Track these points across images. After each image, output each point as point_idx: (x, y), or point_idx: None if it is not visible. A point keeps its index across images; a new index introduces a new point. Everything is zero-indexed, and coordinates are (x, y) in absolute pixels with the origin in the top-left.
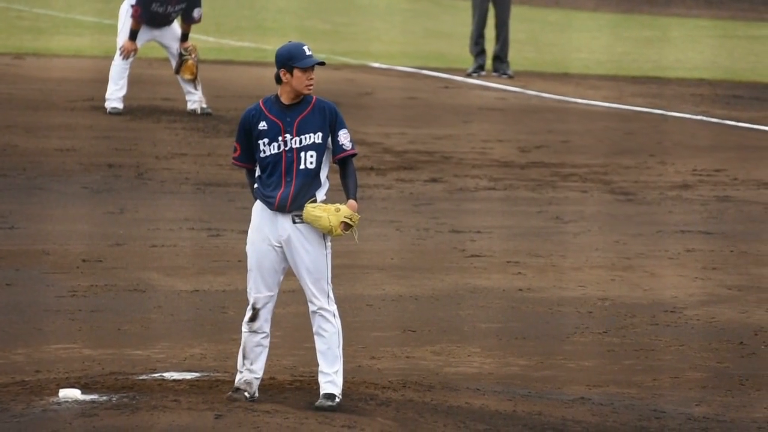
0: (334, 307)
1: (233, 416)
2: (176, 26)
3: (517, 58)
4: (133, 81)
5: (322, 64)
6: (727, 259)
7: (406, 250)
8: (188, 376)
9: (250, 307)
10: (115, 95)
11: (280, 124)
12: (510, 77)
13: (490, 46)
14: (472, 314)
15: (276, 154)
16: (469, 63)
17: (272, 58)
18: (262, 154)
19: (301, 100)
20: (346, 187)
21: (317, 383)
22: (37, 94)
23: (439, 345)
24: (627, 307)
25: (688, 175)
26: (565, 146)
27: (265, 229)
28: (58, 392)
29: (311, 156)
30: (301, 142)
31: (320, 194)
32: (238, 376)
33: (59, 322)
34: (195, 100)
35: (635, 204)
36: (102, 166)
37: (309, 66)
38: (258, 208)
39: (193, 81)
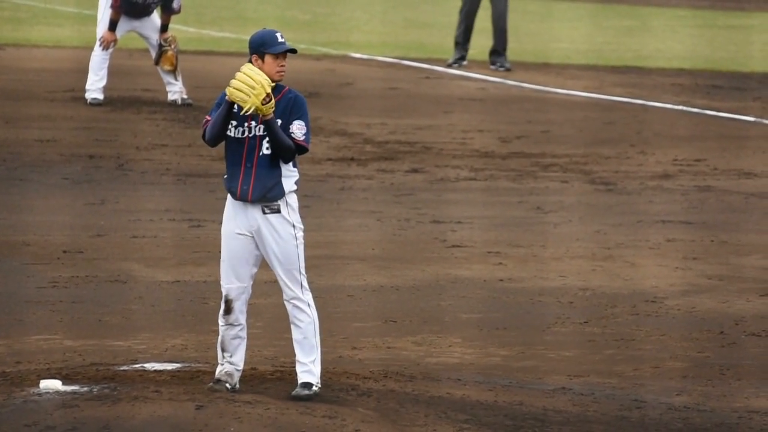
0: (308, 297)
1: (214, 407)
2: (156, 17)
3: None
4: (114, 72)
5: (293, 51)
6: (707, 248)
7: (387, 241)
8: (169, 366)
9: (223, 299)
10: (95, 86)
11: None
12: (507, 70)
13: (476, 38)
14: (453, 304)
15: (240, 139)
16: (451, 53)
17: None
18: (228, 133)
19: (273, 89)
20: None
21: (295, 373)
22: (17, 85)
23: (420, 335)
24: (608, 297)
25: (669, 165)
26: (546, 136)
27: (236, 218)
28: (38, 383)
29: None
30: (263, 129)
31: (287, 184)
32: (218, 368)
33: (40, 313)
34: (175, 90)
35: (616, 194)
36: (82, 157)
37: (280, 52)
38: (230, 197)
39: (173, 72)
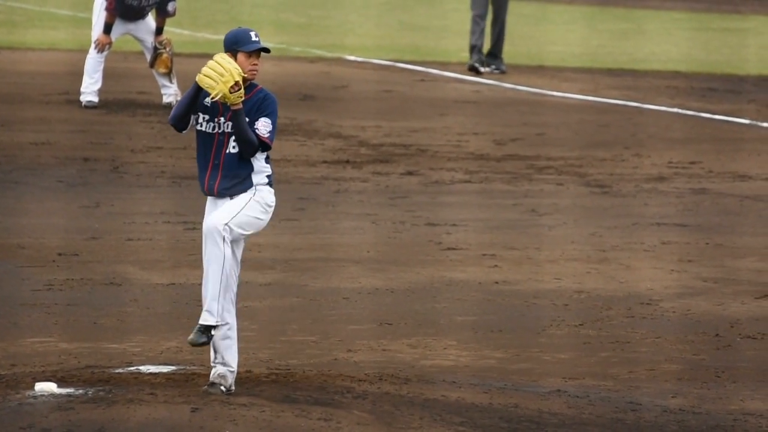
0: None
1: (210, 409)
2: (151, 20)
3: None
4: (109, 74)
5: (266, 50)
6: (702, 251)
7: (382, 243)
8: (164, 369)
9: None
10: (90, 89)
11: (220, 107)
12: (503, 72)
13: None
14: (448, 307)
15: (210, 134)
16: (446, 55)
17: None
18: (198, 127)
19: (245, 87)
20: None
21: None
22: (11, 88)
23: (415, 338)
24: (603, 300)
25: (664, 167)
26: (541, 139)
27: (209, 212)
28: (34, 386)
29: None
30: (231, 126)
31: (257, 178)
32: (212, 371)
33: (35, 315)
34: (170, 93)
35: (611, 196)
36: (77, 160)
37: (253, 50)
38: None
39: (168, 75)
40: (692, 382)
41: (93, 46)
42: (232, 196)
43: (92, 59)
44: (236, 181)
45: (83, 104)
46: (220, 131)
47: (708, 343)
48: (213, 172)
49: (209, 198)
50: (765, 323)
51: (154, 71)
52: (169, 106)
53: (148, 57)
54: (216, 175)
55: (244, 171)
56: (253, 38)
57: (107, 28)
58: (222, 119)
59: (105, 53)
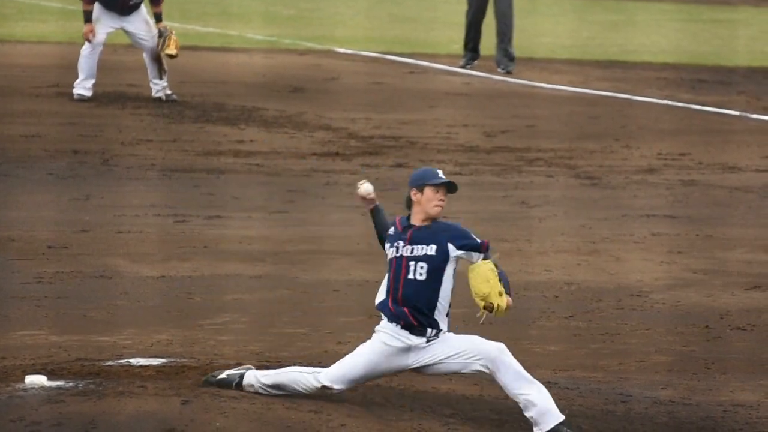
0: None
1: (200, 402)
2: (143, 10)
3: (483, 43)
4: (98, 67)
5: (453, 187)
6: (692, 242)
7: (372, 235)
8: (155, 362)
9: (322, 387)
10: (83, 84)
11: (400, 229)
12: (509, 73)
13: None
14: None
15: (390, 258)
16: (436, 47)
17: (237, 43)
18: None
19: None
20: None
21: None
22: (1, 81)
23: None
24: (593, 292)
25: (654, 159)
26: (531, 131)
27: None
28: (24, 379)
29: (421, 267)
30: (412, 251)
31: (441, 321)
32: (239, 371)
33: (25, 308)
34: (159, 89)
35: (601, 188)
36: (67, 153)
37: (440, 184)
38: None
39: (175, 57)
40: (682, 374)
41: (86, 43)
42: None
43: (84, 57)
44: (416, 310)
45: (74, 97)
46: (397, 255)
47: (698, 334)
48: (394, 294)
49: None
50: (755, 314)
51: (163, 54)
52: (158, 100)
53: (146, 50)
54: (397, 299)
55: (424, 301)
56: (440, 174)
57: (87, 17)
58: (401, 243)
59: (99, 49)
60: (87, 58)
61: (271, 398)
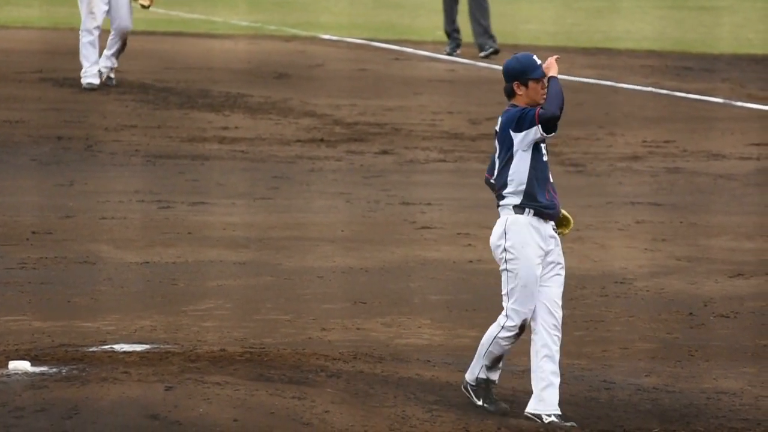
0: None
1: (183, 388)
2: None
3: (466, 29)
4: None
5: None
6: (676, 230)
7: (357, 222)
8: (138, 348)
9: (518, 325)
10: (90, 71)
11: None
12: (496, 51)
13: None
14: (423, 286)
15: (545, 162)
16: (421, 34)
17: (222, 30)
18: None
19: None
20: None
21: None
22: None
23: (389, 317)
24: (577, 279)
25: (638, 146)
26: None
27: (538, 242)
28: (7, 364)
29: (545, 149)
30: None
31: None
32: (486, 374)
33: (8, 294)
34: (108, 65)
35: (585, 175)
36: (51, 138)
37: (542, 77)
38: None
39: (149, 7)
40: (666, 361)
41: (81, 29)
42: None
43: (85, 45)
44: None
45: (84, 86)
46: (546, 158)
47: (681, 321)
48: (553, 195)
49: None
50: (738, 302)
51: (137, 4)
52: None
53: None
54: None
55: None
56: (538, 62)
57: None
58: (543, 144)
59: (96, 34)
60: (88, 45)
61: (255, 384)
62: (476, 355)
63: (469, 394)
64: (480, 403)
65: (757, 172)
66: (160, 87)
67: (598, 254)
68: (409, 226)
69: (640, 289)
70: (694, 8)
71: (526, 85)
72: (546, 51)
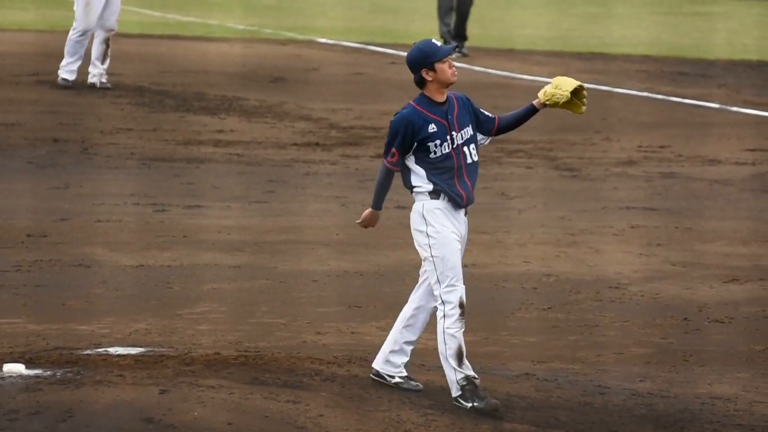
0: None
1: (178, 391)
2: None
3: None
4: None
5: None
6: (671, 235)
7: (352, 226)
8: (133, 351)
9: (457, 304)
10: (68, 67)
11: (446, 123)
12: (464, 56)
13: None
14: None
15: (447, 153)
16: (416, 38)
17: (218, 33)
18: (432, 155)
19: (446, 97)
20: (517, 112)
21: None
22: None
23: (384, 321)
24: (571, 283)
25: (633, 151)
26: None
27: (454, 224)
28: (1, 367)
29: (473, 149)
30: (462, 137)
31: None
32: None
33: (3, 297)
34: (96, 73)
35: (580, 180)
36: (47, 141)
37: (447, 55)
38: (440, 206)
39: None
40: (660, 366)
41: (73, 27)
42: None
43: (72, 41)
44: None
45: (59, 81)
46: (454, 146)
47: (676, 327)
48: (466, 183)
49: (450, 209)
50: (733, 307)
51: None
52: (93, 86)
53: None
54: (469, 187)
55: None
56: (439, 44)
57: None
58: (453, 133)
59: (87, 35)
60: (75, 42)
61: (250, 388)
62: (444, 367)
63: (458, 403)
64: (470, 405)
65: (753, 178)
66: (156, 90)
67: (592, 259)
68: (404, 229)
69: (635, 294)
70: (690, 14)
71: (434, 69)
72: (542, 56)
